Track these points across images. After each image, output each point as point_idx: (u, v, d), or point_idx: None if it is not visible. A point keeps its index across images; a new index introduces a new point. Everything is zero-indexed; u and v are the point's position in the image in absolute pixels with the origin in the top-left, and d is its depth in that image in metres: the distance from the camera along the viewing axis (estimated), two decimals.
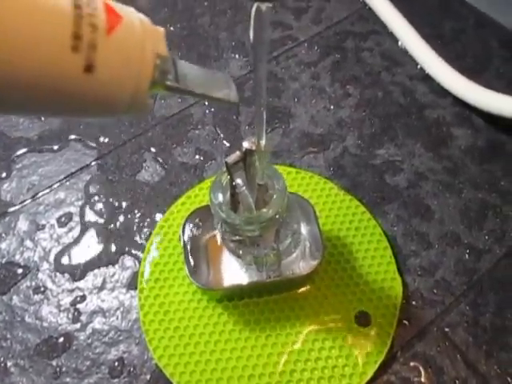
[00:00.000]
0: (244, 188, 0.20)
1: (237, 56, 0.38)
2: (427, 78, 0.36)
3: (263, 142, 0.18)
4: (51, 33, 0.09)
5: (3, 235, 0.30)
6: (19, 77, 0.09)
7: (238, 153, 0.19)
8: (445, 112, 0.35)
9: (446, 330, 0.27)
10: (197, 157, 0.33)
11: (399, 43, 0.38)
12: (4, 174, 0.32)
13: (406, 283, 0.28)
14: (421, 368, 0.26)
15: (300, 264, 0.25)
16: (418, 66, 0.37)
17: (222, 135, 0.34)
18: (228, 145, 0.33)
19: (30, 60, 0.09)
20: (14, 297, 0.28)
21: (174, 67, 0.12)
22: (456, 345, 0.26)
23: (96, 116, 0.12)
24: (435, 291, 0.28)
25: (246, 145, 0.18)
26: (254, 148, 0.18)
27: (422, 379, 0.26)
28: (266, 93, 0.16)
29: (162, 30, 0.11)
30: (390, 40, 0.38)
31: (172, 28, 0.39)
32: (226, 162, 0.19)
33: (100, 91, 0.10)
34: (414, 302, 0.28)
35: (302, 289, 0.27)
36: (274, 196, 0.21)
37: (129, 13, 0.11)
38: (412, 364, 0.26)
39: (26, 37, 0.09)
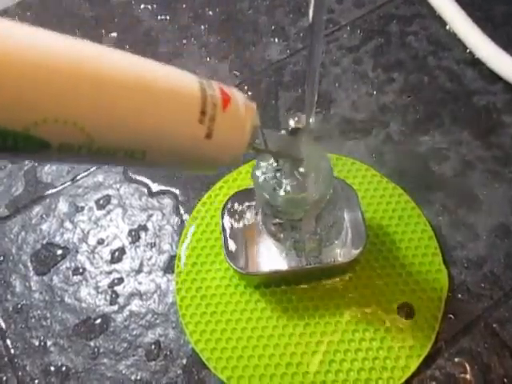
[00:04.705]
0: (288, 169, 0.19)
1: (276, 40, 0.37)
2: (476, 63, 0.34)
3: (312, 120, 0.17)
4: (187, 110, 0.13)
5: (44, 217, 0.30)
6: (163, 141, 0.12)
7: (283, 132, 0.18)
8: (495, 98, 0.33)
9: (494, 325, 0.25)
10: None
11: (447, 27, 0.36)
12: None
13: (452, 276, 0.27)
14: (466, 364, 0.25)
15: (341, 252, 0.24)
16: (467, 51, 0.35)
17: (260, 120, 0.33)
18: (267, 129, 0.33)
19: (171, 128, 0.12)
20: (54, 277, 0.28)
21: (262, 134, 0.15)
22: (504, 341, 0.25)
23: (202, 170, 0.15)
24: (483, 285, 0.27)
25: (292, 123, 0.18)
26: (300, 126, 0.18)
27: (468, 376, 0.24)
28: (318, 71, 0.16)
29: (254, 105, 0.15)
30: (437, 24, 0.37)
31: (211, 12, 0.39)
32: None
33: (212, 152, 0.14)
34: (460, 296, 0.26)
35: (342, 277, 0.26)
36: (320, 179, 0.20)
37: (234, 92, 0.14)
38: (457, 360, 0.25)
39: (171, 113, 0.12)
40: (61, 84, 0.10)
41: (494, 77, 0.33)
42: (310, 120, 0.17)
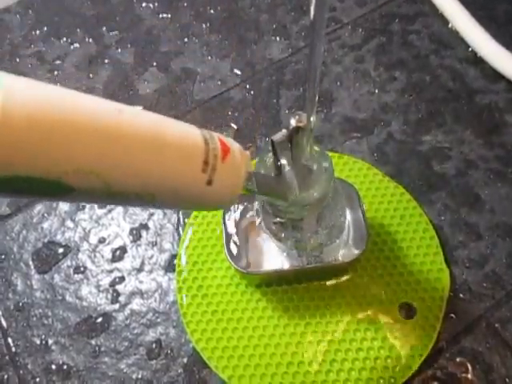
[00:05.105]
0: (289, 168, 0.19)
1: (277, 39, 0.37)
2: (479, 62, 0.34)
3: (313, 119, 0.17)
4: (192, 161, 0.14)
5: (45, 215, 0.30)
6: (169, 187, 0.14)
7: (284, 131, 0.18)
8: (497, 97, 0.33)
9: (496, 325, 0.25)
10: (236, 140, 0.32)
11: (449, 25, 0.36)
12: None
13: (454, 275, 0.27)
14: (468, 364, 0.25)
15: (342, 251, 0.24)
16: (470, 49, 0.35)
17: (261, 119, 0.33)
18: (268, 128, 0.33)
19: (177, 176, 0.14)
20: (56, 276, 0.28)
21: (254, 177, 0.17)
22: (506, 341, 0.25)
23: (203, 210, 0.17)
24: (485, 284, 0.26)
25: (293, 122, 0.18)
26: (301, 125, 0.17)
27: (470, 376, 0.24)
28: (320, 70, 0.15)
29: (248, 153, 0.17)
30: (439, 22, 0.36)
31: (212, 11, 0.39)
32: (271, 140, 0.18)
33: (212, 196, 0.15)
34: (461, 295, 0.26)
35: (344, 277, 0.26)
36: (321, 178, 0.20)
37: (231, 143, 0.16)
38: (459, 360, 0.25)
39: (178, 164, 0.14)
40: (89, 142, 0.12)
41: (496, 76, 0.33)
42: (311, 119, 0.17)
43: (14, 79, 0.11)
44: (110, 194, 0.13)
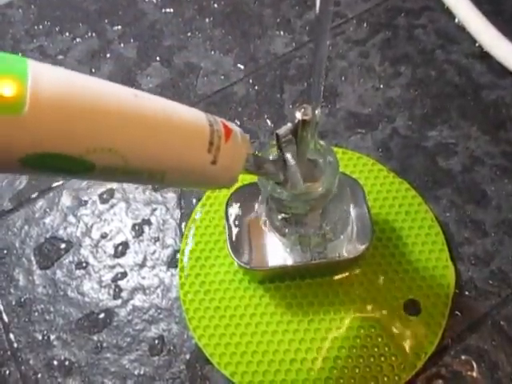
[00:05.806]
0: (293, 162, 0.19)
1: (281, 33, 0.36)
2: (485, 57, 0.34)
3: (318, 112, 0.17)
4: (199, 142, 0.15)
5: (47, 210, 0.30)
6: (178, 166, 0.15)
7: (289, 124, 0.18)
8: (504, 93, 0.32)
9: (502, 323, 0.25)
10: None
11: (456, 20, 0.36)
12: None
13: (459, 272, 0.26)
14: (473, 362, 0.24)
15: (347, 247, 0.24)
16: (476, 44, 0.34)
17: (265, 114, 0.33)
18: (271, 123, 0.32)
19: (186, 155, 0.15)
20: (58, 271, 0.28)
21: (253, 157, 0.18)
22: None
23: (206, 188, 0.19)
24: (490, 282, 0.26)
25: (298, 115, 0.17)
26: (307, 118, 0.17)
27: (475, 374, 0.24)
28: (325, 65, 0.15)
29: (247, 136, 0.17)
30: (445, 16, 0.36)
31: (216, 5, 0.38)
32: (276, 134, 0.18)
33: (216, 175, 0.16)
34: (467, 293, 0.26)
35: (348, 273, 0.26)
36: (326, 172, 0.20)
37: (233, 126, 0.17)
38: (464, 357, 0.24)
39: (187, 144, 0.15)
40: (109, 122, 0.13)
41: (503, 71, 0.33)
42: (316, 112, 0.17)
43: (41, 66, 0.12)
44: (126, 172, 0.14)
